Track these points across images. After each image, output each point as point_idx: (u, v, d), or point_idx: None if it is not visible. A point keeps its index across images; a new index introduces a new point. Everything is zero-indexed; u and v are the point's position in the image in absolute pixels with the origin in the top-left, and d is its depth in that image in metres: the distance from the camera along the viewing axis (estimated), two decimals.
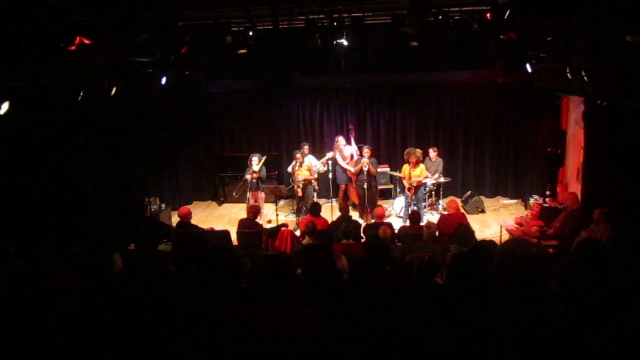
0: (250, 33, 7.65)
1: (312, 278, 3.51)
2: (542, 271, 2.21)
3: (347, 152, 10.96)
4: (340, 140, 10.93)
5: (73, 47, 5.50)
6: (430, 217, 10.37)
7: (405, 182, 10.11)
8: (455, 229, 6.56)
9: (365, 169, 9.89)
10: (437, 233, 7.35)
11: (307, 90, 12.19)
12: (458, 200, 9.53)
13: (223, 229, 8.83)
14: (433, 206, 11.07)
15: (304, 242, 7.19)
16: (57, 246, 4.75)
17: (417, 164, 10.01)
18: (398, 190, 11.73)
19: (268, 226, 9.31)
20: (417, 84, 11.87)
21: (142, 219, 9.29)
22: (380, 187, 11.13)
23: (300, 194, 10.30)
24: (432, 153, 10.84)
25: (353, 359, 2.41)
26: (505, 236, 8.54)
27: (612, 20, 4.62)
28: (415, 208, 9.68)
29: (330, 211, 10.14)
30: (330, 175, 10.59)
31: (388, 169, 11.66)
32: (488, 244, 3.85)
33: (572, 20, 5.29)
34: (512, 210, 11.12)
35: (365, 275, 3.42)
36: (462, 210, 9.14)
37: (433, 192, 11.01)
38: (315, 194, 10.75)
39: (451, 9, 7.08)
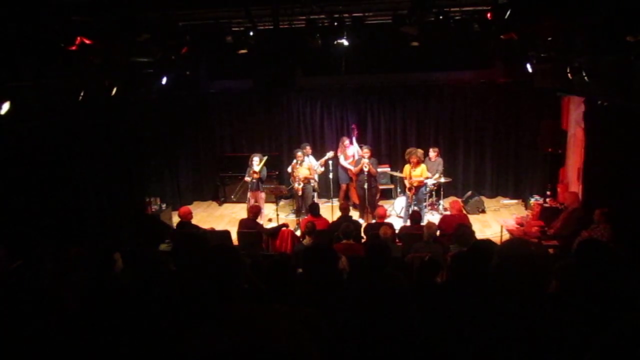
0: (251, 33, 7.65)
1: (313, 278, 3.51)
2: (542, 271, 2.21)
3: (349, 152, 10.99)
4: (346, 141, 10.99)
5: (74, 47, 5.51)
6: (430, 217, 10.37)
7: (406, 182, 10.13)
8: (455, 229, 6.57)
9: (366, 169, 9.90)
10: (437, 233, 7.35)
11: (308, 90, 12.19)
12: (460, 201, 9.50)
13: (224, 229, 8.83)
14: (433, 206, 11.07)
15: (305, 242, 7.19)
16: (58, 246, 4.75)
17: (417, 164, 10.01)
18: (399, 190, 11.73)
19: (268, 226, 9.31)
20: (417, 84, 11.87)
21: (142, 217, 9.28)
22: (380, 187, 11.14)
23: (300, 192, 10.31)
24: (432, 153, 10.83)
25: (353, 359, 2.41)
26: (506, 236, 8.53)
27: (613, 21, 4.62)
28: (415, 208, 9.67)
29: (330, 211, 10.15)
30: (330, 175, 10.59)
31: (388, 169, 11.66)
32: (486, 243, 3.85)
33: (572, 21, 5.29)
34: (512, 211, 11.12)
35: (366, 276, 3.41)
36: (464, 212, 9.05)
37: (433, 192, 11.01)
38: (315, 194, 10.76)
39: (452, 9, 7.07)
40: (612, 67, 5.50)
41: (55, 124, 7.18)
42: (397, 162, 11.81)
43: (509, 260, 2.22)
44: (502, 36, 6.21)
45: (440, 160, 10.85)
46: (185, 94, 11.35)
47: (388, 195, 11.94)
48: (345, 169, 10.96)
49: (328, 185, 10.92)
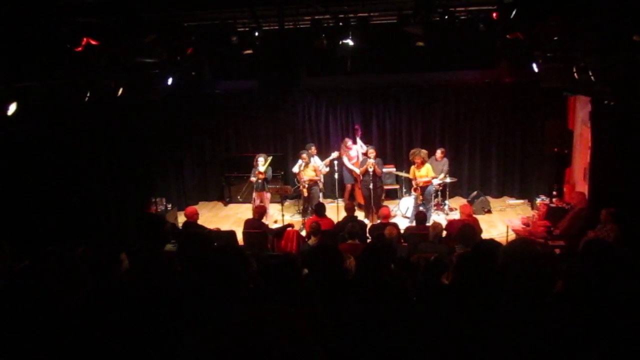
0: (256, 33, 7.66)
1: (318, 278, 3.51)
2: (548, 271, 2.20)
3: (353, 152, 10.98)
4: (348, 142, 10.97)
5: (80, 48, 5.52)
6: (436, 217, 10.35)
7: (413, 183, 10.14)
8: (460, 230, 6.55)
9: (371, 169, 9.90)
10: (443, 234, 7.32)
11: (313, 90, 12.20)
12: (470, 206, 9.34)
13: (229, 229, 8.84)
14: (439, 206, 11.04)
15: (310, 242, 7.20)
16: (63, 246, 4.78)
17: (422, 164, 10.00)
18: (404, 190, 11.72)
19: (274, 226, 9.31)
20: (422, 84, 11.86)
21: (145, 215, 9.30)
22: (386, 187, 11.12)
23: (305, 194, 10.31)
24: (438, 153, 10.81)
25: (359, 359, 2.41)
26: (512, 236, 8.50)
27: (619, 20, 4.60)
28: (422, 208, 9.65)
29: (336, 211, 10.14)
30: (336, 176, 10.59)
31: (394, 169, 11.65)
32: (490, 242, 3.84)
33: (578, 20, 5.27)
34: (518, 211, 11.08)
35: (367, 276, 3.40)
36: (474, 216, 8.70)
37: (439, 193, 10.99)
38: (320, 194, 10.76)
39: (457, 9, 7.05)
40: (619, 66, 5.49)
41: (61, 124, 7.22)
42: (403, 162, 11.79)
43: (515, 260, 2.22)
44: (507, 36, 6.20)
45: (446, 160, 10.83)
46: (191, 95, 11.38)
47: (393, 195, 11.92)
48: (350, 170, 10.96)
49: (333, 186, 10.92)
